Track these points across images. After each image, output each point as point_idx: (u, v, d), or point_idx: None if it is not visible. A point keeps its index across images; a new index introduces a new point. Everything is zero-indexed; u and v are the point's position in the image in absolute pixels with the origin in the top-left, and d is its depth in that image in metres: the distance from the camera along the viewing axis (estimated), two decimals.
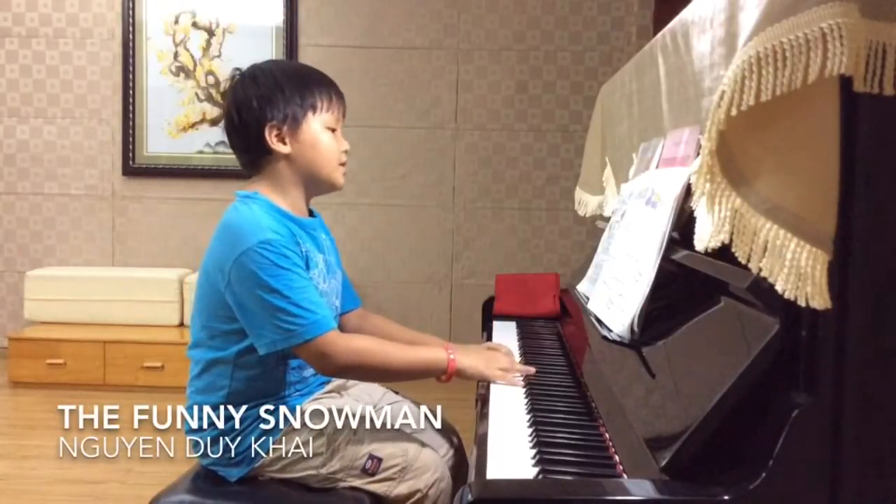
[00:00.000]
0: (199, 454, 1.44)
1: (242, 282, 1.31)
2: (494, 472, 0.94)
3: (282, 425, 1.39)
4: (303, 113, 1.40)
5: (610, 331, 1.17)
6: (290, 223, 1.40)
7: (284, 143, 1.40)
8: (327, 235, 1.56)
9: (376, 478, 1.37)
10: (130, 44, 4.01)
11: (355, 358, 1.34)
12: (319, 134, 1.42)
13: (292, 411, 1.40)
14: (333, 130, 1.45)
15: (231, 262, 1.32)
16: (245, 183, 1.46)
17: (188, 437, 1.45)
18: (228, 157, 1.50)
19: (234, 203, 1.41)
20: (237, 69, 1.46)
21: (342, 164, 1.48)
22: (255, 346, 1.35)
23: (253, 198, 1.40)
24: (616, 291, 1.21)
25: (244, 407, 1.39)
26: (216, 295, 1.36)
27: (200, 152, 3.98)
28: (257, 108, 1.39)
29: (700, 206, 0.84)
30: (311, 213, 1.52)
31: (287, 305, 1.29)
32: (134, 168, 4.07)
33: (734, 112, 0.76)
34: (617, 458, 0.98)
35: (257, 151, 1.42)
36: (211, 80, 3.99)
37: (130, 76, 4.02)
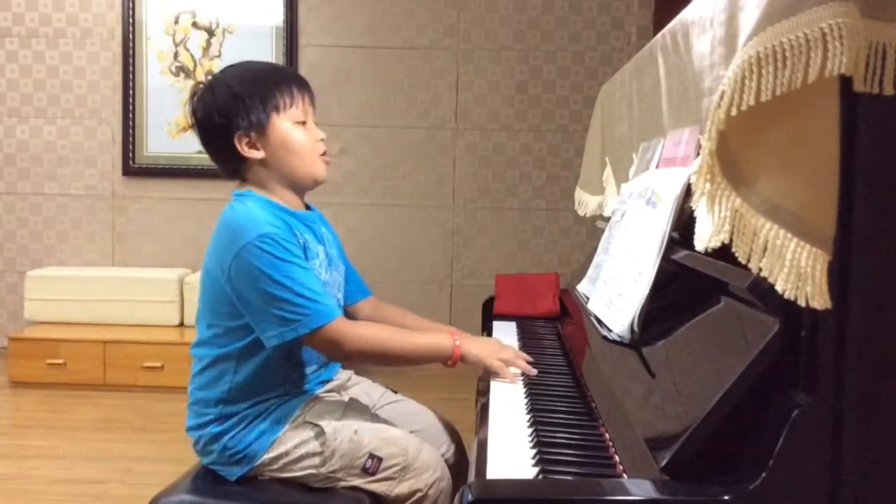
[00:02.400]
0: (199, 452, 1.44)
1: (244, 276, 1.31)
2: (494, 472, 0.94)
3: (282, 423, 1.39)
4: (266, 116, 1.40)
5: (610, 331, 1.17)
6: (286, 216, 1.41)
7: (257, 149, 1.41)
8: (328, 229, 1.57)
9: (376, 477, 1.37)
10: (130, 44, 4.01)
11: (363, 344, 1.35)
12: (290, 132, 1.42)
13: (293, 409, 1.40)
14: (304, 123, 1.44)
15: (231, 257, 1.32)
16: (240, 183, 1.47)
17: (188, 436, 1.45)
18: None
19: (231, 202, 1.42)
20: (199, 83, 1.46)
21: (323, 154, 1.47)
22: (258, 342, 1.35)
23: (248, 195, 1.41)
24: (616, 291, 1.21)
25: (245, 404, 1.39)
26: (219, 293, 1.37)
27: (200, 152, 3.93)
28: (222, 122, 1.39)
29: (700, 206, 0.84)
30: (307, 208, 1.53)
31: (290, 296, 1.30)
32: (134, 168, 4.07)
33: (734, 112, 0.76)
34: (617, 458, 0.98)
35: (234, 161, 1.43)
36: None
37: (130, 76, 4.02)
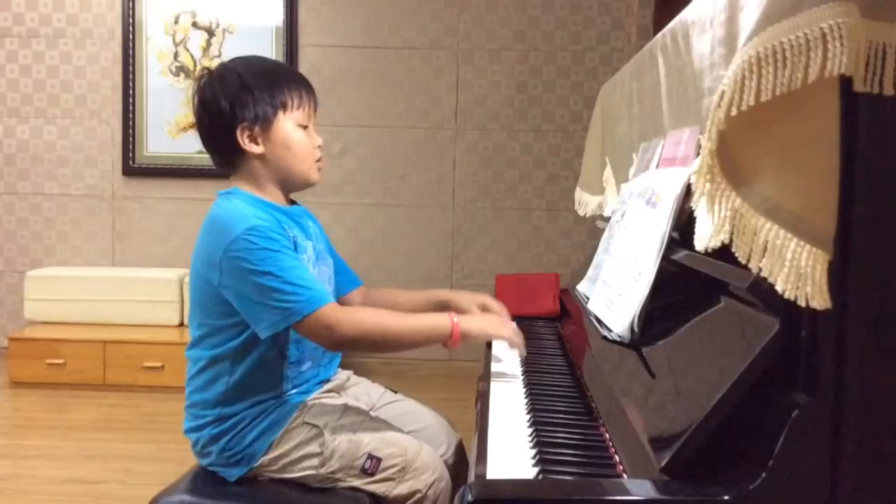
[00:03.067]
0: (197, 454, 1.44)
1: (234, 271, 1.31)
2: (494, 472, 0.94)
3: (281, 424, 1.39)
4: (273, 112, 1.40)
5: (610, 331, 1.17)
6: (273, 211, 1.41)
7: (257, 144, 1.41)
8: (315, 223, 1.56)
9: (375, 478, 1.37)
10: (130, 44, 4.01)
11: (359, 328, 1.33)
12: (291, 133, 1.42)
13: (291, 410, 1.40)
14: (305, 127, 1.45)
15: (221, 253, 1.32)
16: (225, 182, 1.47)
17: (187, 437, 1.45)
18: None
19: (216, 201, 1.42)
20: (206, 69, 1.45)
21: (318, 160, 1.47)
22: (250, 342, 1.35)
23: (234, 193, 1.41)
24: (616, 291, 1.21)
25: (243, 405, 1.39)
26: (209, 291, 1.37)
27: (200, 152, 3.94)
28: (227, 110, 1.38)
29: (700, 206, 0.84)
30: (292, 203, 1.52)
31: (281, 285, 1.29)
32: (134, 168, 4.07)
33: (734, 112, 0.76)
34: (617, 458, 0.98)
35: (230, 152, 1.42)
36: None
37: (130, 76, 4.02)
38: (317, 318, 1.30)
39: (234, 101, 1.38)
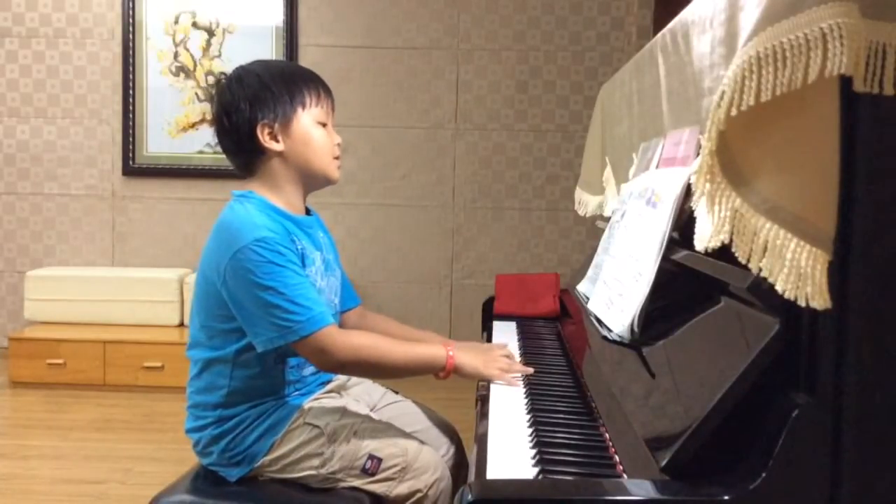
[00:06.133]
0: (199, 454, 1.44)
1: (238, 280, 1.31)
2: (494, 472, 0.94)
3: (282, 425, 1.39)
4: (292, 109, 1.41)
5: (610, 331, 1.17)
6: (285, 221, 1.40)
7: (277, 141, 1.40)
8: (325, 234, 1.56)
9: (376, 478, 1.37)
10: (130, 44, 4.01)
11: (354, 353, 1.34)
12: (311, 129, 1.43)
13: (292, 411, 1.40)
14: (324, 125, 1.46)
15: (226, 260, 1.32)
16: (241, 183, 1.47)
17: (188, 437, 1.45)
18: None
19: (230, 202, 1.42)
20: (222, 73, 1.46)
21: (336, 158, 1.48)
22: (253, 347, 1.35)
23: (248, 197, 1.40)
24: (616, 291, 1.21)
25: (244, 406, 1.39)
26: (213, 294, 1.36)
27: (200, 152, 3.98)
28: (246, 109, 1.39)
29: (700, 206, 0.84)
30: (307, 212, 1.52)
31: (283, 302, 1.29)
32: (134, 168, 4.07)
33: (734, 112, 0.76)
34: (617, 458, 0.98)
35: (251, 152, 1.42)
36: (211, 80, 3.98)
37: (130, 76, 4.02)
38: (315, 339, 1.30)
39: (254, 101, 1.39)
